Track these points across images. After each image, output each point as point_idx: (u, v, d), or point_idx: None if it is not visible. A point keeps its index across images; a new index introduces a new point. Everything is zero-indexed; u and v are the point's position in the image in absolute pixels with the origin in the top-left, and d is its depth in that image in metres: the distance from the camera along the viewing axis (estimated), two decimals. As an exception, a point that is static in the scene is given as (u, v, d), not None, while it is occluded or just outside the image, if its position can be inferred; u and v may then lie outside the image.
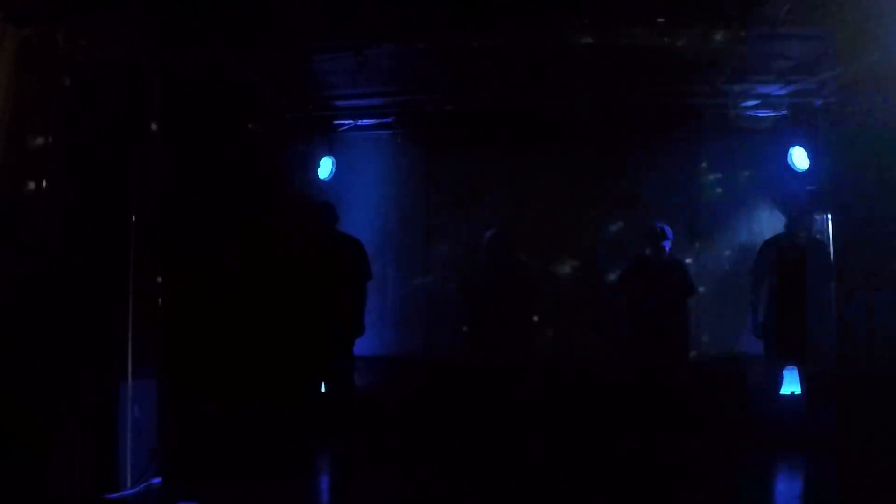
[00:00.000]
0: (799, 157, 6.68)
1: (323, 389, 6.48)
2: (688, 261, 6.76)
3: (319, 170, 7.10)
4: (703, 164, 7.13)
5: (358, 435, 6.03)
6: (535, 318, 6.37)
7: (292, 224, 6.71)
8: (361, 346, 6.37)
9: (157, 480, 4.73)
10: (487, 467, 5.40)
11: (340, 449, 5.97)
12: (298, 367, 6.32)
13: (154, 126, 4.80)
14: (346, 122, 7.26)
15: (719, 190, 7.11)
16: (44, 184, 4.27)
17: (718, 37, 5.43)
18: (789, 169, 6.73)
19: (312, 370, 6.34)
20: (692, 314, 6.37)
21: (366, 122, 7.27)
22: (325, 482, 5.83)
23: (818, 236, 6.45)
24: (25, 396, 4.08)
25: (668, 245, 6.25)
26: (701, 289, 6.55)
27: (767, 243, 6.16)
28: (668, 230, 6.29)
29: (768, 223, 6.84)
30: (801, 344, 5.77)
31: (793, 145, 6.70)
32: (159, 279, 4.92)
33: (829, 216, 6.62)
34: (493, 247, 6.21)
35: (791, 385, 6.08)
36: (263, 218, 6.82)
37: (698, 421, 5.87)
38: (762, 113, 6.93)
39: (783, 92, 6.51)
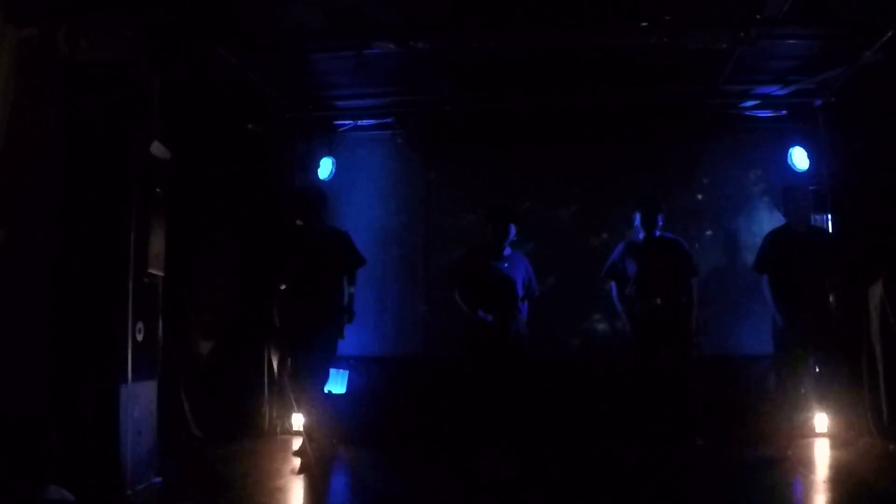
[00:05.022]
0: (799, 157, 6.67)
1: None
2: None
3: (319, 170, 7.10)
4: (704, 164, 7.12)
5: (355, 434, 6.04)
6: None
7: (289, 221, 6.71)
8: (362, 347, 6.36)
9: (157, 480, 4.73)
10: (487, 467, 5.39)
11: (339, 449, 5.96)
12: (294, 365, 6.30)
13: (154, 126, 4.80)
14: (346, 122, 7.25)
15: (719, 190, 7.10)
16: (44, 183, 4.27)
17: (718, 37, 5.42)
18: (789, 169, 6.73)
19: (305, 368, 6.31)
20: (692, 314, 6.30)
21: (366, 122, 7.26)
22: (324, 482, 5.82)
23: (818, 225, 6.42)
24: (25, 397, 4.09)
25: (660, 218, 5.93)
26: (700, 288, 6.49)
27: (769, 235, 6.05)
28: (660, 204, 5.99)
29: (768, 223, 6.82)
30: (808, 336, 5.67)
31: (793, 145, 6.70)
32: (159, 279, 4.92)
33: (830, 216, 6.61)
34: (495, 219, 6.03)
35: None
36: (263, 217, 6.83)
37: (699, 420, 5.86)
38: (762, 113, 6.94)
39: (783, 92, 6.51)
